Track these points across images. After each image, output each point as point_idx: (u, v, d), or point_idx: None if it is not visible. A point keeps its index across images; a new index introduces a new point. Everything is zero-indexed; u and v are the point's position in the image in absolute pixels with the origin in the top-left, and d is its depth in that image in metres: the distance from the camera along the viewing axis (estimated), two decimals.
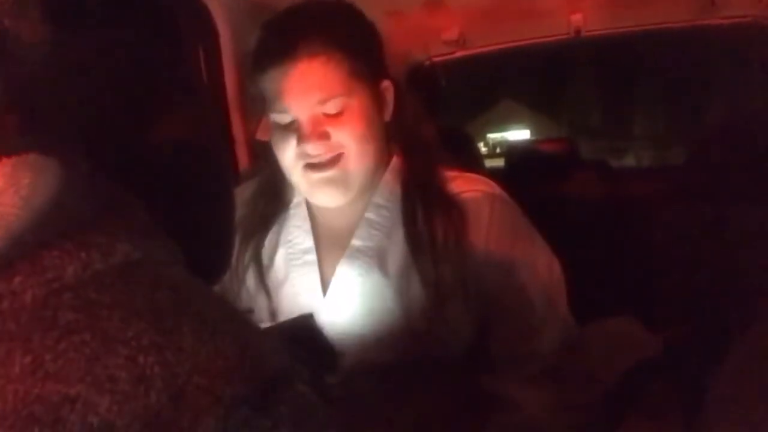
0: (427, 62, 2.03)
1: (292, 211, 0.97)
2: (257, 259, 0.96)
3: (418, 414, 0.91)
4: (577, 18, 1.78)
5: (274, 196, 0.98)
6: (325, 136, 0.83)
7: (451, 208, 0.88)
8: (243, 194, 0.98)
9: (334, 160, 0.84)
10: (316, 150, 0.83)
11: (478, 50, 2.01)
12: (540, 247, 0.93)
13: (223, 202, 0.55)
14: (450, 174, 0.94)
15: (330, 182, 0.86)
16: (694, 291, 0.73)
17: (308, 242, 0.94)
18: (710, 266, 0.71)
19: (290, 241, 0.96)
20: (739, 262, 0.67)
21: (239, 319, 0.37)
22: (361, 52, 0.85)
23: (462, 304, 0.89)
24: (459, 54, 2.00)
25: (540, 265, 0.91)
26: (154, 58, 0.50)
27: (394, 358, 0.90)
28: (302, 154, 0.84)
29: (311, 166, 0.85)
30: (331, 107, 0.82)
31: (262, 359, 0.34)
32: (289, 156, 0.86)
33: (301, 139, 0.82)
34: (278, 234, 0.98)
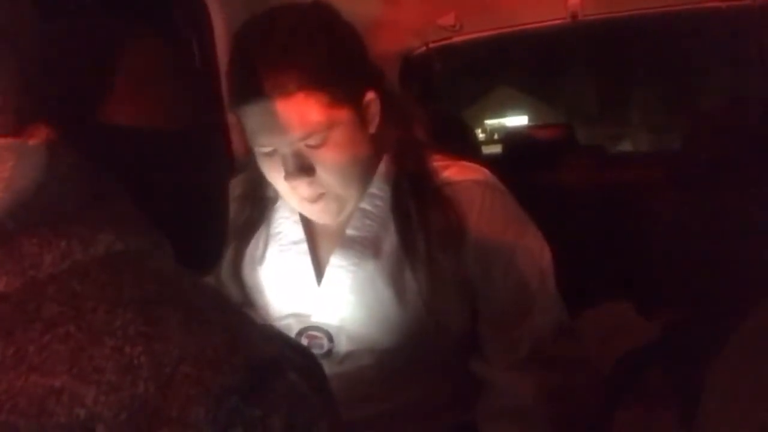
0: (423, 48, 2.01)
1: (279, 203, 0.96)
2: (236, 263, 0.97)
3: (412, 396, 0.92)
4: (574, 2, 1.77)
5: (259, 195, 0.97)
6: (309, 171, 0.81)
7: (443, 198, 0.88)
8: (232, 192, 0.97)
9: (321, 197, 0.84)
10: (302, 188, 0.83)
11: (475, 35, 1.99)
12: (532, 232, 0.93)
13: (216, 191, 0.55)
14: (442, 163, 0.93)
15: (320, 211, 0.87)
16: (691, 277, 0.73)
17: (298, 233, 0.94)
18: (708, 252, 0.71)
19: (279, 233, 0.95)
20: (737, 248, 0.66)
21: (229, 309, 0.37)
22: (342, 77, 0.80)
23: (456, 292, 0.89)
24: (455, 39, 1.98)
25: (533, 248, 0.91)
26: (148, 48, 0.49)
27: (390, 345, 0.90)
28: (290, 186, 0.84)
29: (300, 198, 0.85)
30: (313, 140, 0.80)
31: (252, 348, 0.33)
32: (276, 182, 0.86)
33: (287, 176, 0.82)
34: (267, 228, 0.97)
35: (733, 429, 0.42)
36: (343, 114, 0.81)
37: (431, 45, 2.00)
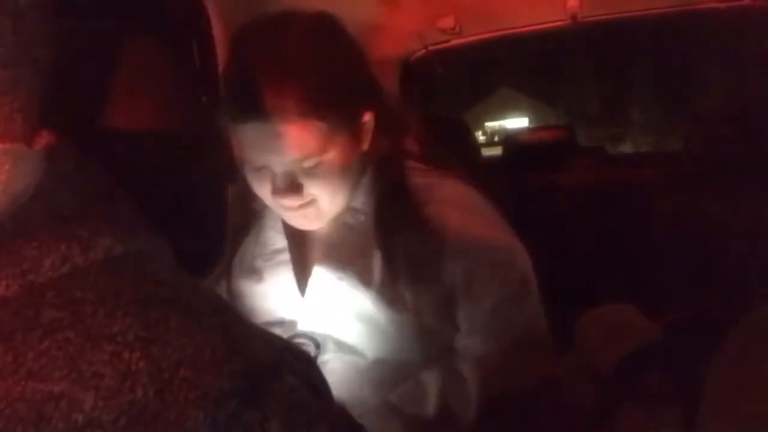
0: (423, 51, 2.01)
1: (266, 211, 0.95)
2: (227, 269, 0.96)
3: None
4: (573, 4, 1.77)
5: (246, 203, 0.96)
6: (298, 189, 0.81)
7: (423, 217, 0.86)
8: None
9: (308, 205, 0.84)
10: (288, 201, 0.82)
11: (475, 38, 1.99)
12: (512, 242, 0.91)
13: (216, 193, 0.55)
14: (425, 179, 0.91)
15: (304, 218, 0.86)
16: (692, 277, 0.73)
17: (280, 242, 0.94)
18: (708, 252, 0.70)
19: (264, 242, 0.95)
20: (737, 248, 0.66)
21: (228, 312, 0.37)
22: (342, 102, 0.79)
23: (441, 302, 0.88)
24: (455, 42, 1.98)
25: (514, 257, 0.89)
26: (148, 49, 0.49)
27: (377, 353, 0.90)
28: (277, 200, 0.83)
29: (285, 207, 0.85)
30: (307, 163, 0.79)
31: (250, 351, 0.33)
32: (263, 196, 0.85)
33: (275, 192, 0.81)
34: (253, 236, 0.97)
35: (732, 427, 0.42)
36: (340, 138, 0.80)
37: (431, 48, 2.01)
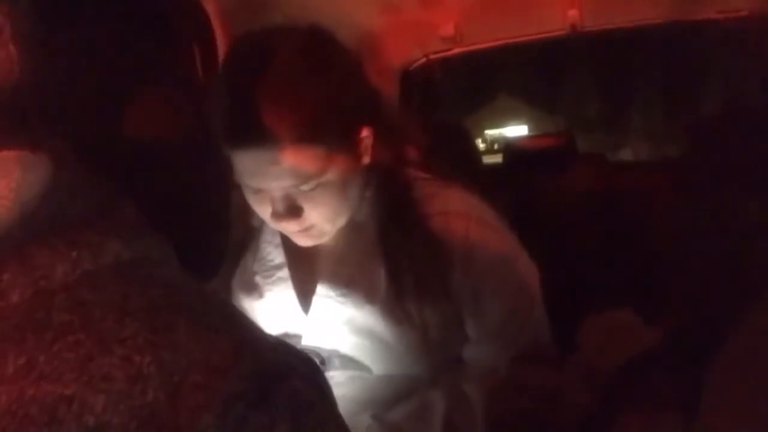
0: (424, 59, 2.02)
1: (264, 225, 0.94)
2: (226, 286, 0.95)
3: None
4: (573, 13, 1.78)
5: (246, 218, 0.95)
6: (298, 212, 0.79)
7: (428, 231, 0.85)
8: None
9: (307, 229, 0.82)
10: (288, 225, 0.81)
11: (475, 46, 2.00)
12: (521, 259, 0.90)
13: (217, 199, 0.55)
14: (429, 190, 0.89)
15: (307, 237, 0.85)
16: (693, 283, 0.73)
17: (279, 258, 0.92)
18: (708, 258, 0.71)
19: (262, 257, 0.94)
20: (738, 254, 0.67)
21: (235, 316, 0.37)
22: (339, 124, 0.77)
23: (449, 319, 0.87)
24: (456, 50, 1.99)
25: (522, 276, 0.89)
26: (149, 56, 0.50)
27: (383, 368, 0.89)
28: (276, 223, 0.82)
29: (286, 230, 0.84)
30: (305, 187, 0.77)
31: (257, 355, 0.34)
32: (263, 215, 0.84)
33: (274, 216, 0.80)
34: (254, 251, 0.95)
35: (732, 428, 0.42)
36: (339, 158, 0.78)
37: (431, 56, 2.02)
